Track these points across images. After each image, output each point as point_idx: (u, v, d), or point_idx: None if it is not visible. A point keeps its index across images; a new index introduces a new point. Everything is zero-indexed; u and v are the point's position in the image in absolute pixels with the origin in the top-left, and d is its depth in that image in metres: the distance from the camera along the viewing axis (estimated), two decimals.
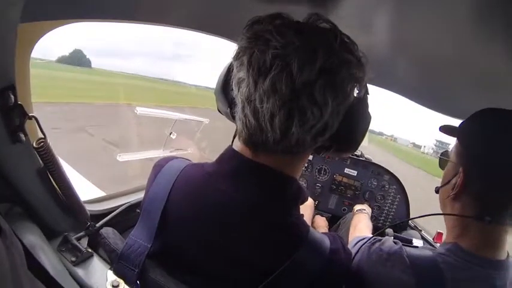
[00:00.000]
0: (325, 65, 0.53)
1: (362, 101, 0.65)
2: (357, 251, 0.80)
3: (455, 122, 0.82)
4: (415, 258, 0.72)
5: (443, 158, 0.85)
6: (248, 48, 0.56)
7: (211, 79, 0.74)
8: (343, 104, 0.59)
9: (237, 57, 0.59)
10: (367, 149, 2.19)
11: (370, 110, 0.68)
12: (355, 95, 0.62)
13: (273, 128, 0.56)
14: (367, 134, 0.72)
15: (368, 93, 0.66)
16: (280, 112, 0.54)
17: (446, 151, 0.85)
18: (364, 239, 0.87)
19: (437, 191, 0.84)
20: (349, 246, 0.91)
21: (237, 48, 0.59)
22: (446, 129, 0.83)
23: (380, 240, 0.80)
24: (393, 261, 0.73)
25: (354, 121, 0.64)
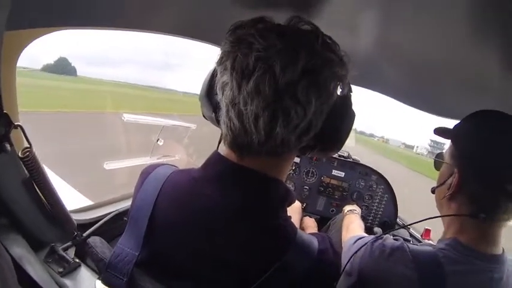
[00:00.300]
0: (308, 65, 0.54)
1: (345, 99, 0.66)
2: (358, 249, 0.81)
3: (447, 122, 0.84)
4: (417, 253, 0.74)
5: (438, 160, 0.87)
6: (231, 52, 0.57)
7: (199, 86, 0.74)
8: (327, 102, 0.60)
9: (221, 61, 0.59)
10: (354, 150, 2.21)
11: (357, 110, 0.70)
12: (338, 93, 0.63)
13: (257, 129, 0.56)
14: (354, 134, 0.73)
15: (351, 91, 0.67)
16: (264, 113, 0.55)
17: (441, 153, 0.88)
18: (364, 237, 0.88)
19: (433, 192, 0.87)
20: (346, 246, 0.92)
21: (220, 53, 0.60)
22: (440, 132, 0.86)
23: (382, 237, 0.81)
24: (396, 257, 0.74)
25: (338, 119, 0.65)
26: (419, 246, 0.78)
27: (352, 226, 1.34)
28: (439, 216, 0.82)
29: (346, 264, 0.78)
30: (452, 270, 0.70)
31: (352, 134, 0.72)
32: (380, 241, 0.80)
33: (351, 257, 0.79)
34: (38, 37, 0.70)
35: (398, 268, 0.73)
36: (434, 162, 0.90)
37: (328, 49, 0.58)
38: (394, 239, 0.81)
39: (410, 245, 0.76)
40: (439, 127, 0.86)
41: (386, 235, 0.84)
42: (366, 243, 0.81)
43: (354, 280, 0.78)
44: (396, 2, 0.69)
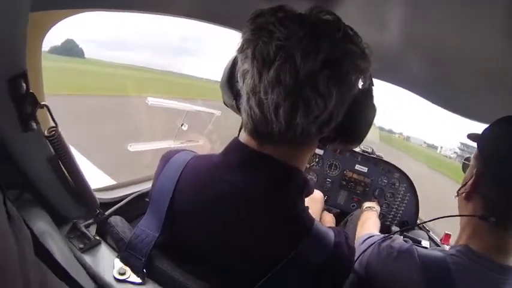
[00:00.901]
0: (329, 56, 0.53)
1: (367, 92, 0.65)
2: (367, 248, 0.80)
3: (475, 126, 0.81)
4: (425, 258, 0.72)
5: (465, 162, 0.88)
6: (252, 41, 0.56)
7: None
8: (348, 94, 0.60)
9: (242, 49, 0.59)
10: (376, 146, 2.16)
11: (379, 105, 0.69)
12: (359, 86, 0.62)
13: (277, 118, 0.56)
14: (378, 130, 0.72)
15: (373, 85, 0.66)
16: (285, 103, 0.55)
17: (469, 157, 0.86)
18: (373, 236, 0.87)
19: (457, 195, 0.85)
20: (358, 243, 0.92)
21: (241, 41, 0.60)
22: (472, 137, 0.83)
23: (390, 238, 0.80)
24: (403, 259, 0.73)
25: (359, 112, 0.64)
26: (429, 250, 0.77)
27: (368, 224, 1.33)
28: (452, 216, 0.81)
29: (356, 260, 0.78)
30: (461, 278, 0.68)
31: (376, 131, 0.71)
32: (388, 241, 0.79)
33: (360, 256, 0.79)
34: (63, 19, 0.72)
35: (405, 271, 0.72)
36: (463, 164, 0.90)
37: (349, 40, 0.57)
38: (404, 241, 0.79)
39: (419, 249, 0.75)
40: (473, 133, 0.84)
41: (396, 235, 0.83)
42: (373, 243, 0.80)
43: (360, 278, 0.77)
44: None
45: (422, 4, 0.70)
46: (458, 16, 0.69)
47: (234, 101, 0.70)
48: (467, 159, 0.87)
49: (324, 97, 0.55)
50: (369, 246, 0.80)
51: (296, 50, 0.52)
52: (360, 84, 0.63)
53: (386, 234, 0.82)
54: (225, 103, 0.78)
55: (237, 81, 0.64)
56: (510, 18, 0.62)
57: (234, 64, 0.68)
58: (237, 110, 0.69)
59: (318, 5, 0.59)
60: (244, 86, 0.60)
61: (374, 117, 0.69)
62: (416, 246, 0.77)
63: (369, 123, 0.68)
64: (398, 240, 0.80)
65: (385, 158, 1.98)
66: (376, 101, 0.68)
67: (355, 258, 0.78)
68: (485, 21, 0.67)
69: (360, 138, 0.70)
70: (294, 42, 0.53)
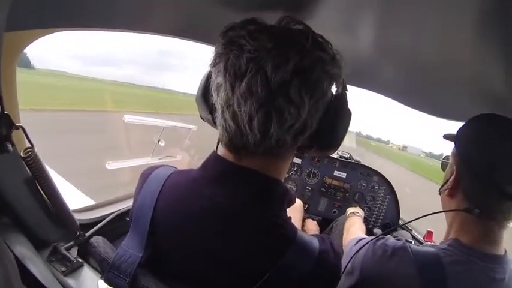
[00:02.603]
0: (299, 65, 0.54)
1: (340, 98, 0.66)
2: (359, 249, 0.81)
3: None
4: (419, 253, 0.75)
5: (444, 161, 0.91)
6: (224, 54, 0.57)
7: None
8: (321, 101, 0.61)
9: (214, 63, 0.60)
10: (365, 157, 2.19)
11: (351, 108, 0.69)
12: (333, 92, 0.64)
13: (252, 130, 0.57)
14: (354, 136, 0.74)
15: (346, 90, 0.67)
16: (258, 114, 0.55)
17: (448, 156, 0.90)
18: (364, 238, 0.89)
19: (440, 193, 0.88)
20: (349, 246, 0.93)
21: (213, 55, 0.61)
22: (448, 137, 0.87)
23: (384, 237, 0.82)
24: (398, 256, 0.75)
25: (333, 118, 0.65)
26: (421, 247, 0.79)
27: (353, 228, 1.35)
28: (437, 212, 0.83)
29: (347, 264, 0.79)
30: (454, 271, 0.71)
31: (352, 136, 0.73)
32: (382, 241, 0.81)
33: (352, 257, 0.80)
34: (37, 38, 0.71)
35: (401, 268, 0.74)
36: (442, 163, 0.95)
37: (319, 48, 0.58)
38: (397, 239, 0.82)
39: (412, 246, 0.77)
40: (448, 133, 0.88)
41: (388, 235, 0.85)
42: (367, 243, 0.81)
43: (356, 279, 0.78)
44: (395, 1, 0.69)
45: (395, 11, 0.72)
46: (430, 22, 0.72)
47: (210, 115, 0.70)
48: (446, 157, 0.91)
49: (296, 105, 0.56)
50: (361, 247, 0.82)
51: (266, 61, 0.53)
52: (333, 90, 0.64)
53: (377, 235, 0.84)
54: (201, 117, 0.77)
55: (212, 95, 0.64)
56: (478, 23, 0.66)
57: (208, 78, 0.68)
58: (213, 123, 0.69)
59: (288, 15, 0.61)
60: (218, 100, 0.60)
61: (349, 122, 0.70)
62: (409, 243, 0.79)
63: (344, 129, 0.69)
64: (392, 239, 0.82)
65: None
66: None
67: (348, 261, 0.80)
68: (456, 26, 0.70)
69: (336, 144, 0.71)
70: (264, 54, 0.54)
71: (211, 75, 0.63)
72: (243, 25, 0.58)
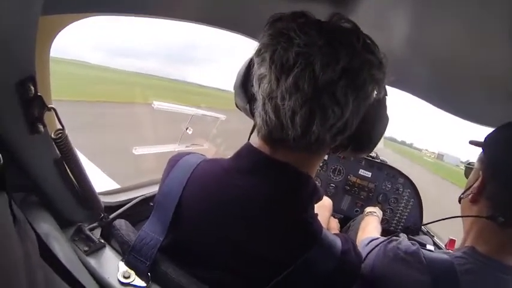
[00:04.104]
0: (348, 66, 0.53)
1: (381, 102, 0.65)
2: (372, 249, 0.80)
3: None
4: (431, 260, 0.73)
5: (468, 166, 0.87)
6: (270, 45, 0.56)
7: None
8: (363, 104, 0.60)
9: (259, 53, 0.59)
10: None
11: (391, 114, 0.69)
12: (374, 96, 0.62)
13: (293, 125, 0.56)
14: (382, 138, 0.72)
15: (387, 95, 0.66)
16: (302, 110, 0.54)
17: (471, 162, 0.88)
18: (378, 238, 0.87)
19: (459, 201, 0.85)
20: (361, 246, 0.91)
21: (258, 45, 0.60)
22: (475, 143, 0.84)
23: (396, 239, 0.80)
24: (410, 261, 0.74)
25: (373, 122, 0.64)
26: (435, 253, 0.77)
27: (368, 228, 1.33)
28: (458, 217, 0.81)
29: None
30: (467, 280, 0.68)
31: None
32: (394, 243, 0.79)
33: (364, 258, 0.79)
34: (72, 22, 0.72)
35: (412, 273, 0.72)
36: (465, 169, 0.90)
37: (368, 50, 0.57)
38: (411, 243, 0.79)
39: (425, 251, 0.75)
40: (474, 140, 0.85)
41: (402, 238, 0.83)
42: (379, 244, 0.80)
43: (366, 280, 0.77)
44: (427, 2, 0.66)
45: (428, 10, 0.70)
46: (465, 23, 0.69)
47: (248, 105, 0.70)
48: (471, 164, 0.87)
49: (341, 105, 0.55)
50: (374, 248, 0.80)
51: (316, 58, 0.52)
52: (375, 94, 0.63)
53: (390, 236, 0.82)
54: (237, 106, 0.77)
55: (252, 85, 0.63)
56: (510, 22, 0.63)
57: (249, 67, 0.67)
58: (250, 113, 0.69)
59: (337, 13, 0.60)
60: (260, 91, 0.60)
61: (386, 126, 0.69)
62: (423, 249, 0.77)
63: (381, 133, 0.68)
64: (405, 242, 0.80)
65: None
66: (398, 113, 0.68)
67: None
68: (491, 29, 0.67)
69: (371, 147, 0.71)
70: (314, 50, 0.53)
71: (252, 64, 0.63)
72: (292, 17, 0.58)
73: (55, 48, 0.71)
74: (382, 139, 0.73)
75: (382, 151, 2.10)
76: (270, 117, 0.59)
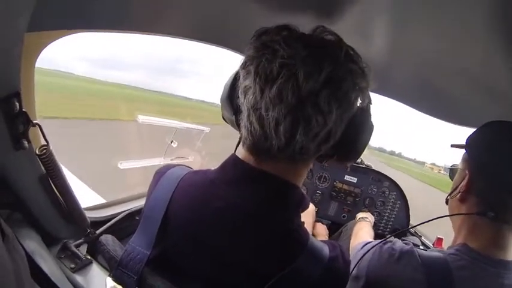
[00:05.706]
0: (331, 75, 0.55)
1: (365, 110, 0.66)
2: (366, 252, 0.81)
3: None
4: (426, 258, 0.74)
5: (452, 168, 0.90)
6: (256, 58, 0.57)
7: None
8: (347, 113, 0.61)
9: (244, 66, 0.60)
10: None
11: (374, 121, 0.70)
12: (358, 104, 0.63)
13: (277, 135, 0.57)
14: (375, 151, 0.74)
15: (371, 103, 0.68)
16: (286, 120, 0.55)
17: (455, 164, 0.90)
18: (370, 242, 0.88)
19: (447, 202, 0.88)
20: (355, 250, 0.92)
21: (244, 57, 0.61)
22: (456, 146, 0.87)
23: (391, 241, 0.82)
24: (406, 260, 0.75)
25: (357, 130, 0.65)
26: (429, 252, 0.79)
27: (361, 233, 1.34)
28: (448, 216, 0.83)
29: (353, 268, 0.78)
30: (461, 276, 0.70)
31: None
32: (389, 244, 0.80)
33: (359, 261, 0.79)
34: (57, 39, 0.73)
35: (407, 272, 0.73)
36: (450, 171, 0.92)
37: (351, 60, 0.58)
38: (404, 243, 0.81)
39: (419, 250, 0.77)
40: (455, 143, 0.88)
41: (396, 239, 0.84)
42: (374, 246, 0.81)
43: (362, 283, 0.78)
44: (409, 6, 0.69)
45: (409, 16, 0.73)
46: (443, 28, 0.72)
47: (234, 116, 0.70)
48: (454, 165, 0.90)
49: (324, 114, 0.56)
50: (369, 250, 0.81)
51: (299, 69, 0.53)
52: (359, 102, 0.64)
53: (383, 239, 0.83)
54: (224, 118, 0.78)
55: (238, 97, 0.64)
56: (491, 28, 0.66)
57: (235, 80, 0.68)
58: (236, 125, 0.70)
59: (321, 25, 0.62)
60: (245, 102, 0.61)
61: (371, 135, 0.70)
62: (417, 248, 0.78)
63: (366, 142, 0.69)
64: (399, 242, 0.81)
65: None
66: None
67: (354, 264, 0.80)
68: (468, 32, 0.70)
69: (356, 156, 0.71)
70: (298, 61, 0.54)
71: (238, 76, 0.63)
72: (276, 31, 0.59)
73: (42, 57, 0.71)
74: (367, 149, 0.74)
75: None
76: (254, 128, 0.59)
